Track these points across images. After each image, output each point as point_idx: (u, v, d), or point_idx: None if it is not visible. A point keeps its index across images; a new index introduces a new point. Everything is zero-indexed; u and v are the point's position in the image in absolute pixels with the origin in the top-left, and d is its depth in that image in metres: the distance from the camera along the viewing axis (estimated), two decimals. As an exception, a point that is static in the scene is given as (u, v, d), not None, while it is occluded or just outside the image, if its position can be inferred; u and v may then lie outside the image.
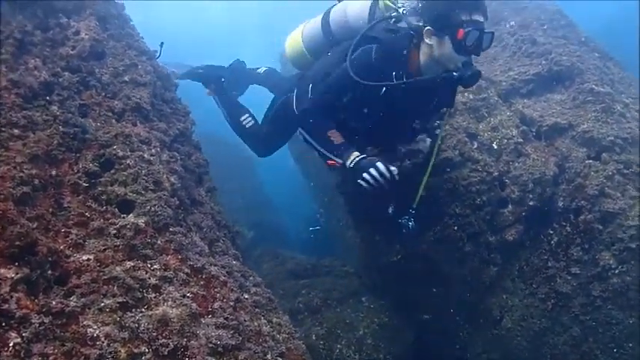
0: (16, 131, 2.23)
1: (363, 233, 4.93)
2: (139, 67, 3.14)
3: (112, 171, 2.44)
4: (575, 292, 4.13)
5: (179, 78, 4.23)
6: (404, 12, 3.39)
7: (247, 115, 4.26)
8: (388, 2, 3.53)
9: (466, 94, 4.63)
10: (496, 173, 4.22)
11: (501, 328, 4.35)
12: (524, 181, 4.24)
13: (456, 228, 4.12)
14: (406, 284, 4.51)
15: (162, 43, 3.58)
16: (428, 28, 3.16)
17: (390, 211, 3.57)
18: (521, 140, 4.44)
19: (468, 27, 3.02)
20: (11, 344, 1.57)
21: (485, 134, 4.43)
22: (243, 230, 6.77)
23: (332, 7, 3.84)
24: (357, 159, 3.18)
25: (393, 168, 3.15)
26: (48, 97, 2.54)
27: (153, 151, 2.73)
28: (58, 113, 2.47)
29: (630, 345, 4.21)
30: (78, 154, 2.44)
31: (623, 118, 4.60)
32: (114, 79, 2.97)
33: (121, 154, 2.51)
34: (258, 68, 4.68)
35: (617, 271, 4.00)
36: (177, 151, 3.07)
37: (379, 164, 3.11)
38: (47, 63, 2.72)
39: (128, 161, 2.49)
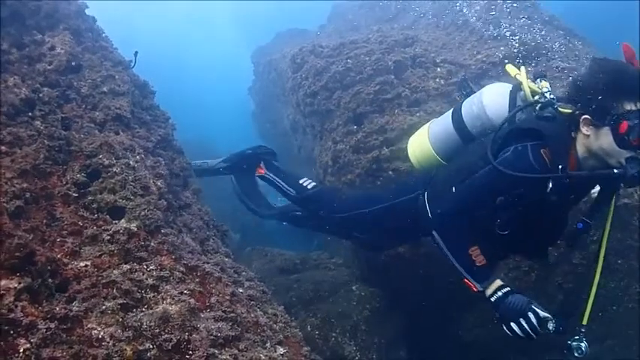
0: (3, 148, 2.29)
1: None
2: (116, 77, 3.19)
3: (100, 180, 2.51)
4: (557, 261, 4.30)
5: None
6: (552, 97, 2.94)
7: (305, 178, 3.94)
8: (534, 86, 3.05)
9: (437, 79, 4.77)
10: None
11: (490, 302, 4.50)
12: (500, 159, 4.38)
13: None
14: (395, 272, 4.63)
15: (136, 52, 3.63)
16: (586, 116, 2.71)
17: (551, 328, 2.76)
18: (494, 120, 4.58)
19: (633, 119, 2.54)
20: (21, 350, 1.64)
21: (459, 117, 4.56)
22: (230, 233, 6.83)
23: (461, 103, 3.36)
24: (502, 293, 2.76)
25: (545, 315, 2.68)
26: (30, 113, 2.59)
27: (137, 157, 2.80)
28: (41, 128, 2.53)
29: (614, 308, 4.41)
30: (65, 166, 2.51)
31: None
32: (93, 91, 3.03)
33: (106, 162, 2.58)
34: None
35: (594, 238, 4.17)
36: (161, 156, 3.15)
37: (531, 315, 2.66)
38: (26, 80, 2.77)
39: (114, 169, 2.56)
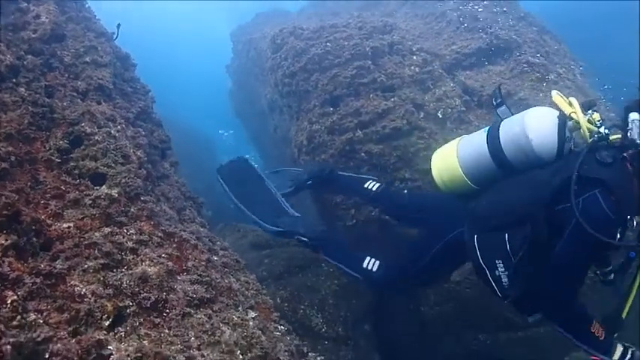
0: (-12, 112, 2.35)
1: (319, 202, 5.20)
2: (99, 48, 3.25)
3: (82, 147, 2.59)
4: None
5: None
6: (606, 132, 2.81)
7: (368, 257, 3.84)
8: (591, 126, 2.86)
9: (412, 67, 4.92)
10: (441, 140, 4.53)
11: (452, 282, 4.71)
12: (468, 146, 4.57)
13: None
14: (362, 248, 4.80)
15: (119, 24, 3.67)
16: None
17: None
18: (464, 109, 4.77)
19: None
20: (9, 302, 1.73)
21: (431, 104, 4.73)
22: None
23: (498, 126, 3.13)
24: (629, 355, 2.80)
25: None
26: (14, 80, 2.64)
27: (119, 127, 2.88)
28: (25, 94, 2.58)
29: None
30: (48, 133, 2.58)
31: (556, 85, 4.99)
32: (76, 61, 3.09)
33: (89, 130, 2.65)
34: (366, 181, 4.18)
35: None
36: (141, 128, 3.23)
37: None
38: (11, 47, 2.81)
39: (96, 137, 2.64)
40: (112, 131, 2.75)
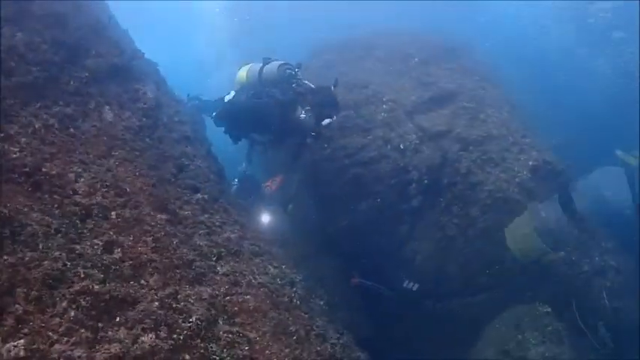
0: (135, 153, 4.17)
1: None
2: (181, 111, 5.10)
3: (184, 172, 4.40)
4: (458, 234, 6.29)
5: None
6: None
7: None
8: None
9: (382, 113, 6.79)
10: (402, 164, 6.36)
11: (414, 264, 6.47)
12: (421, 167, 6.38)
13: (379, 200, 6.24)
14: (350, 240, 6.56)
15: (188, 94, 5.54)
16: None
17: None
18: (419, 142, 6.59)
19: None
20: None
21: (396, 139, 6.57)
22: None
23: None
24: None
25: None
26: (141, 134, 4.47)
27: (200, 160, 4.70)
28: (149, 142, 4.41)
29: (497, 267, 6.34)
30: (164, 164, 4.40)
31: (484, 123, 6.84)
32: (169, 120, 4.92)
33: (186, 163, 4.45)
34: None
35: (481, 219, 6.19)
36: (208, 161, 5.06)
37: None
38: (134, 113, 4.65)
39: (191, 166, 4.44)
40: (198, 163, 4.58)
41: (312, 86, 5.89)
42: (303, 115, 5.60)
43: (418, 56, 8.22)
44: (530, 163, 6.52)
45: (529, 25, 13.13)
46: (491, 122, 6.91)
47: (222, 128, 6.08)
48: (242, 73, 6.29)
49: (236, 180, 6.85)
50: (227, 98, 6.15)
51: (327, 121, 5.76)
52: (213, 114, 6.09)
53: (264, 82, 6.05)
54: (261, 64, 6.17)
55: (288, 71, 5.91)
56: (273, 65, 6.06)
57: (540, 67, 11.28)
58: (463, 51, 9.11)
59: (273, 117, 5.53)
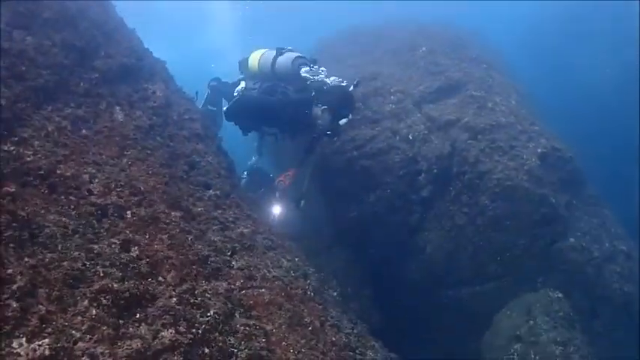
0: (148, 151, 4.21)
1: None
2: (191, 109, 5.13)
3: (196, 169, 4.43)
4: (467, 223, 6.30)
5: None
6: None
7: None
8: None
9: (390, 104, 6.78)
10: (411, 154, 6.37)
11: (425, 253, 6.49)
12: (430, 157, 6.38)
13: (389, 191, 6.25)
14: (360, 231, 6.59)
15: (197, 91, 5.56)
16: None
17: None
18: (427, 132, 6.59)
19: None
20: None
21: (404, 130, 6.57)
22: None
23: None
24: None
25: None
26: (152, 132, 4.51)
27: (211, 157, 4.73)
28: (161, 141, 4.43)
29: (507, 255, 6.35)
30: (176, 161, 4.43)
31: (493, 112, 6.82)
32: (180, 118, 4.94)
33: (197, 160, 4.49)
34: None
35: (490, 207, 6.19)
36: (219, 157, 5.09)
37: None
38: (145, 112, 4.68)
39: (202, 163, 4.47)
40: (209, 159, 4.61)
41: (329, 82, 5.75)
42: (319, 114, 5.55)
43: (425, 46, 8.19)
44: (539, 150, 6.48)
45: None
46: (500, 110, 6.88)
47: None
48: (254, 61, 6.20)
49: (245, 173, 6.92)
50: (238, 89, 6.10)
51: (344, 121, 5.73)
52: (224, 108, 6.09)
53: (277, 75, 5.98)
54: (274, 54, 6.07)
55: (303, 67, 5.79)
56: (288, 58, 5.93)
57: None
58: (470, 40, 9.07)
59: (286, 116, 5.49)
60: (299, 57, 5.92)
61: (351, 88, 5.78)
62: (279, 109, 5.53)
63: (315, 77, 5.64)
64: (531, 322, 5.91)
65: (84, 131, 3.69)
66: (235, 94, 6.03)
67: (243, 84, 6.11)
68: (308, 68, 5.73)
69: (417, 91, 7.19)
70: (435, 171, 6.37)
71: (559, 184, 6.51)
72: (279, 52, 6.01)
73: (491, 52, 9.50)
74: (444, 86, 7.19)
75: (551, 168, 6.50)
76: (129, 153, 3.86)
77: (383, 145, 6.34)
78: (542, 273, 6.26)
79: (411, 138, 6.50)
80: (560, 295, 6.12)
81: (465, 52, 8.08)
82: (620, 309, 6.32)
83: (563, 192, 6.57)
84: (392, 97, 6.97)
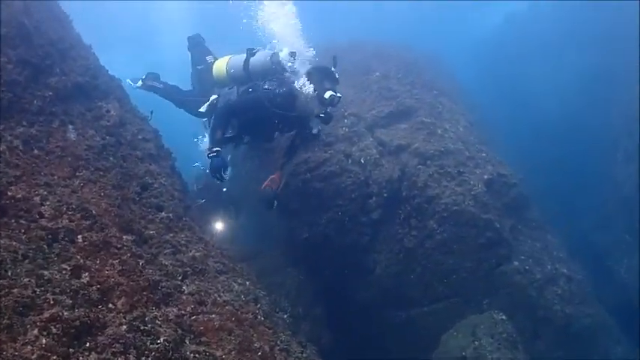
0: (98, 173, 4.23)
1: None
2: (145, 129, 5.16)
3: (148, 190, 4.46)
4: (416, 246, 6.54)
5: None
6: None
7: None
8: None
9: (344, 128, 6.99)
10: (363, 178, 6.58)
11: (374, 274, 6.68)
12: (381, 181, 6.62)
13: (340, 213, 6.42)
14: (312, 252, 6.72)
15: (152, 111, 5.58)
16: None
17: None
18: (378, 156, 6.83)
19: None
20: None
21: (356, 153, 6.78)
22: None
23: None
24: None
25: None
26: (104, 153, 4.52)
27: (164, 179, 4.78)
28: (113, 161, 4.45)
29: (454, 277, 6.61)
30: (128, 183, 4.46)
31: (442, 138, 7.14)
32: (133, 138, 4.96)
33: (150, 181, 4.53)
34: None
35: (438, 231, 6.46)
36: (172, 178, 5.14)
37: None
38: (98, 131, 4.69)
39: (155, 185, 4.52)
40: (162, 181, 4.65)
41: (309, 66, 5.71)
42: (308, 92, 5.50)
43: (379, 70, 8.47)
44: (485, 177, 6.83)
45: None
46: (448, 137, 7.21)
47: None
48: (220, 69, 6.20)
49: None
50: (212, 98, 6.02)
51: (329, 93, 5.57)
52: (206, 122, 6.00)
53: (253, 75, 5.99)
54: (243, 57, 6.09)
55: (279, 60, 5.74)
56: (264, 55, 5.96)
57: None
58: (425, 65, 9.43)
59: (277, 108, 5.49)
60: (275, 53, 5.92)
61: (332, 69, 5.77)
62: (268, 103, 5.52)
63: (293, 67, 5.62)
64: (476, 342, 6.17)
65: (36, 151, 3.69)
66: (207, 105, 5.98)
67: (214, 97, 6.06)
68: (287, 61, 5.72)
69: (370, 115, 7.43)
70: (385, 194, 6.59)
71: (504, 209, 6.87)
72: (250, 52, 6.05)
73: (444, 76, 9.91)
74: (396, 112, 7.47)
75: (497, 194, 6.85)
76: (81, 174, 3.88)
77: (335, 168, 6.53)
78: (488, 295, 6.56)
79: (362, 162, 6.71)
80: (503, 317, 6.41)
81: (418, 78, 8.42)
82: (560, 330, 6.67)
83: (508, 217, 6.92)
84: (345, 120, 7.18)
